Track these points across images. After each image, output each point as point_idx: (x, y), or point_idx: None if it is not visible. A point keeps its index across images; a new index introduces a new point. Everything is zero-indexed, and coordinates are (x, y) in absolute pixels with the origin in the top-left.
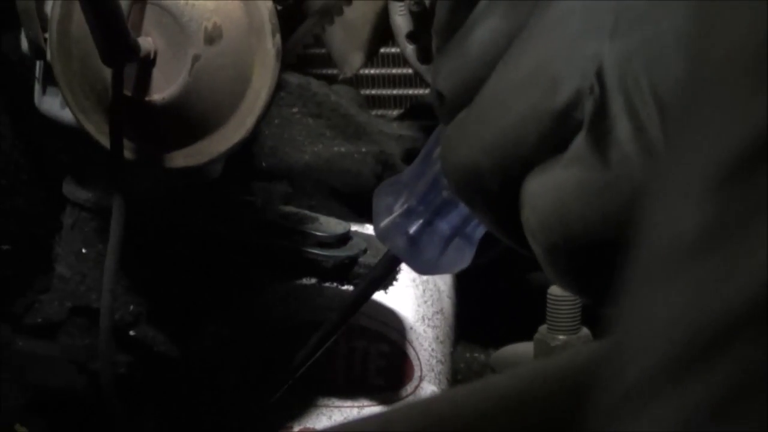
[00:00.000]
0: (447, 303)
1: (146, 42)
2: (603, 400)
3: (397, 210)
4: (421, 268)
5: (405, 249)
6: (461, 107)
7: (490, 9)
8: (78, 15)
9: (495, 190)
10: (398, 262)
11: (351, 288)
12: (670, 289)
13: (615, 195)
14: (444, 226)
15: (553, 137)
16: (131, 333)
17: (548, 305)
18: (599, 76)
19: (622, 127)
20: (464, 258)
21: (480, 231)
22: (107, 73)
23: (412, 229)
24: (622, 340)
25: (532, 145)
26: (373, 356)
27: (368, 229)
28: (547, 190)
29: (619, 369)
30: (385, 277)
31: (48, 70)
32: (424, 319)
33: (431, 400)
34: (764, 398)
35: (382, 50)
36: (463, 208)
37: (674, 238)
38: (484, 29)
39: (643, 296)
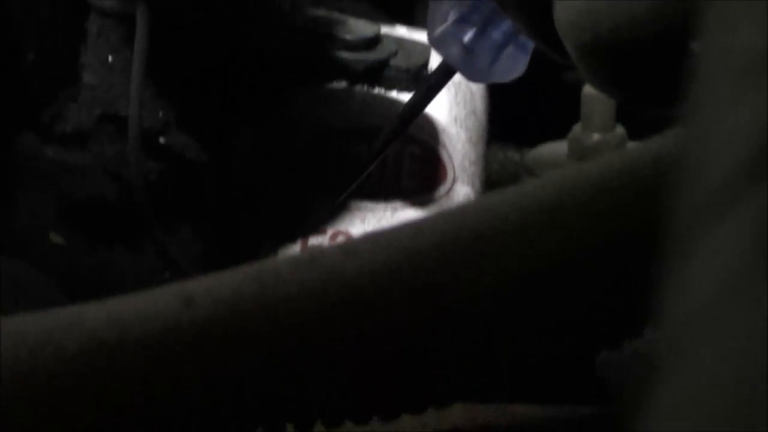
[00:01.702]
0: (480, 103)
1: None
2: (684, 206)
3: (451, 18)
4: (474, 76)
5: (459, 57)
6: None
7: None
8: None
9: None
10: (452, 72)
11: (382, 91)
12: (747, 95)
13: None
14: (497, 34)
15: None
16: (161, 140)
17: (582, 103)
18: None
19: None
20: (518, 66)
21: None
22: None
23: (466, 38)
24: (699, 144)
25: None
26: (406, 158)
27: (399, 31)
28: None
29: (699, 173)
30: (441, 85)
31: None
32: (456, 121)
33: (464, 209)
34: None
35: None
36: None
37: (748, 50)
38: None
39: (718, 104)
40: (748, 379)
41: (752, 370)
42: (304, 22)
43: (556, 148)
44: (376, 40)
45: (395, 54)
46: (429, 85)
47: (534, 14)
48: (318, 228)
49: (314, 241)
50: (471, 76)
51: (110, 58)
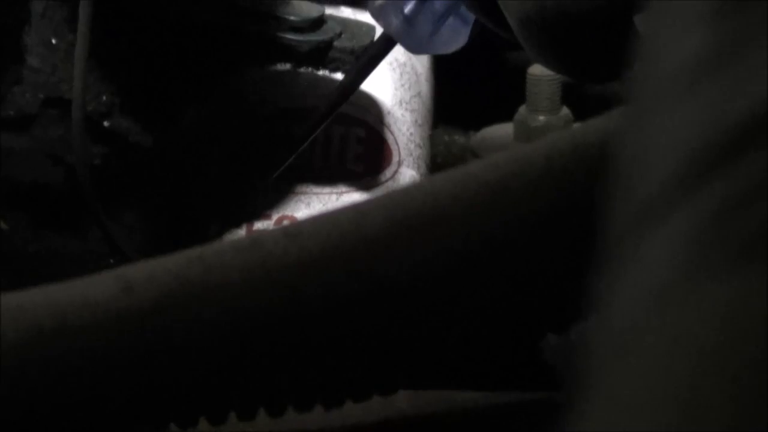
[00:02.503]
0: (425, 86)
1: None
2: (618, 215)
3: None
4: (414, 48)
5: (399, 28)
6: None
7: None
8: None
9: None
10: (393, 43)
11: (327, 73)
12: (676, 107)
13: None
14: (438, 4)
15: None
16: (105, 124)
17: (527, 85)
18: None
19: None
20: (458, 38)
21: None
22: None
23: (407, 8)
24: (633, 157)
25: None
26: (351, 142)
27: (343, 12)
28: None
29: (633, 184)
30: (382, 56)
31: None
32: (401, 103)
33: (408, 191)
34: None
35: None
36: None
37: (678, 61)
38: None
39: (650, 116)
40: (676, 389)
41: (679, 379)
42: (248, 3)
43: (502, 130)
44: (320, 21)
45: (340, 35)
46: (369, 56)
47: None
48: (262, 212)
49: (259, 226)
50: (411, 47)
51: (54, 41)
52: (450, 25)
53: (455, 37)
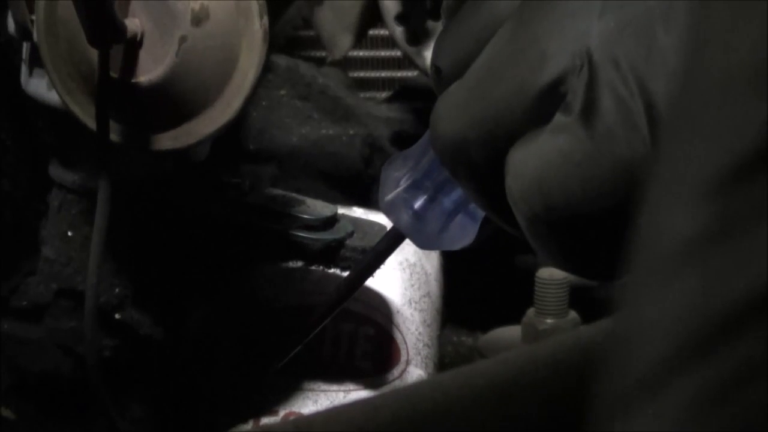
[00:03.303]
0: (434, 286)
1: (133, 23)
2: (608, 393)
3: (403, 184)
4: (423, 243)
5: (409, 223)
6: (455, 80)
7: None
8: None
9: (480, 162)
10: (402, 237)
11: (338, 271)
12: (671, 285)
13: (596, 167)
14: (447, 202)
15: (538, 111)
16: (117, 316)
17: (536, 288)
18: (588, 52)
19: (605, 100)
20: (467, 234)
21: None
22: (94, 54)
23: (417, 204)
24: (625, 334)
25: (517, 118)
26: (360, 340)
27: (355, 212)
28: (530, 160)
29: (624, 362)
30: (390, 251)
31: (35, 51)
32: (411, 303)
33: (418, 387)
34: (764, 384)
35: (370, 32)
36: None
37: (675, 237)
38: (486, 8)
39: (644, 293)
40: None
41: None
42: (262, 201)
43: (510, 332)
44: (333, 220)
45: (351, 234)
46: (378, 251)
47: (486, 183)
48: (270, 408)
49: (266, 421)
50: (420, 242)
51: (70, 233)
52: (459, 222)
53: (464, 233)
